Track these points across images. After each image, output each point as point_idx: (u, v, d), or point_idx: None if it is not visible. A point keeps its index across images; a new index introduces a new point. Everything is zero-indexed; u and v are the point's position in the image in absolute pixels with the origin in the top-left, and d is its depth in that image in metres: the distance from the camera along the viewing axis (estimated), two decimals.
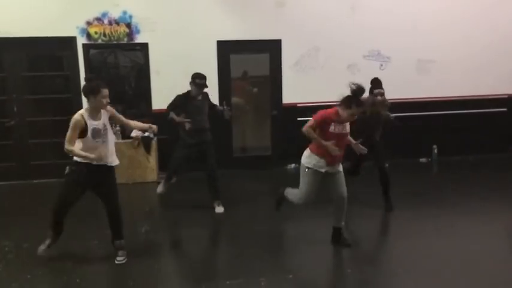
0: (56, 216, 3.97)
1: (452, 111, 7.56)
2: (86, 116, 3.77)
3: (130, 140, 6.71)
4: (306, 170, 4.04)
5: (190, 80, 5.26)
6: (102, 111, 3.90)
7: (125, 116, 4.16)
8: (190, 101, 5.24)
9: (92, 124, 3.77)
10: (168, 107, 5.29)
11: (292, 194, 4.30)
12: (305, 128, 3.98)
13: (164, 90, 6.70)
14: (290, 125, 7.17)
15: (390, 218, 5.06)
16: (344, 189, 4.11)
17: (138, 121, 6.50)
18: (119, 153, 6.52)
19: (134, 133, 6.72)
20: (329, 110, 3.98)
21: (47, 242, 4.07)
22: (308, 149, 4.11)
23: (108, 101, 3.83)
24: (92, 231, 4.59)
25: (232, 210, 5.42)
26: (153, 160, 6.77)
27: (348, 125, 4.05)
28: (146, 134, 6.73)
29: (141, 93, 7.10)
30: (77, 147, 3.77)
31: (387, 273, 3.87)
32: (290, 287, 3.59)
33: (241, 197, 6.28)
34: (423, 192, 5.95)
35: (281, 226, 4.82)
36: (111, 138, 3.99)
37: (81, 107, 6.85)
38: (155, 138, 6.75)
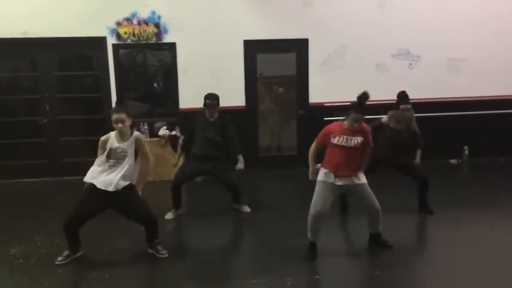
0: (65, 229, 3.96)
1: (484, 111, 7.37)
2: (112, 137, 3.91)
3: (157, 139, 6.80)
4: (316, 180, 4.06)
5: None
6: (133, 137, 3.96)
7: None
8: (201, 119, 5.12)
9: (112, 144, 3.89)
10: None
11: (308, 219, 4.07)
12: (312, 147, 4.12)
13: (191, 89, 6.77)
14: (317, 124, 7.12)
15: (419, 221, 4.96)
16: (375, 201, 4.01)
17: (165, 119, 6.71)
18: None
19: (162, 132, 6.80)
20: (335, 123, 4.06)
21: (65, 253, 4.05)
22: None
23: (120, 126, 3.84)
24: (122, 228, 4.66)
25: (258, 210, 5.42)
26: (180, 159, 6.83)
27: (356, 140, 3.91)
28: (173, 132, 6.82)
29: (169, 93, 7.18)
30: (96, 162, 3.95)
31: (416, 275, 3.80)
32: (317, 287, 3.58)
33: (268, 197, 6.29)
34: (453, 194, 5.82)
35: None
36: (130, 164, 3.92)
37: (110, 106, 7.07)
38: (182, 137, 6.81)
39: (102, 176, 3.89)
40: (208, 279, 3.84)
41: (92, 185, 3.89)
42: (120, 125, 3.85)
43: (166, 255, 4.15)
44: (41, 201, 6.10)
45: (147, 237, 4.21)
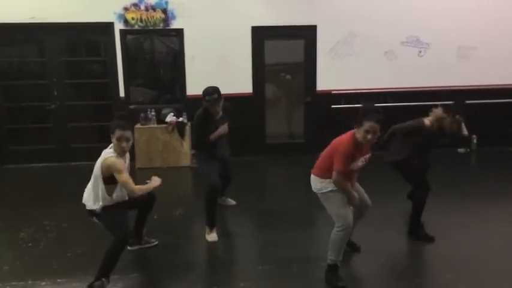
0: (122, 248, 3.53)
1: (493, 100, 7.28)
2: (117, 159, 3.43)
3: (165, 125, 6.81)
4: (329, 192, 3.40)
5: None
6: (127, 153, 3.57)
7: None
8: (211, 117, 4.32)
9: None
10: (197, 138, 4.40)
11: (335, 238, 3.44)
12: (337, 179, 3.27)
13: (199, 75, 6.75)
14: (324, 112, 7.12)
15: (425, 212, 4.94)
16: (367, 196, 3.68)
17: (172, 106, 6.66)
18: (154, 138, 6.75)
19: (169, 118, 6.81)
20: (348, 140, 3.28)
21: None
22: (315, 176, 3.49)
23: (123, 145, 3.40)
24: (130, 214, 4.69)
25: (264, 199, 5.43)
26: (186, 145, 6.85)
27: (366, 157, 3.40)
28: (180, 119, 6.83)
29: (176, 79, 7.17)
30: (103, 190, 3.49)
31: (421, 265, 3.82)
32: (322, 274, 3.58)
33: (274, 184, 6.30)
34: (461, 183, 5.79)
35: (314, 214, 4.79)
36: None
37: (118, 93, 7.06)
38: (189, 124, 6.82)
39: (113, 197, 3.54)
40: (213, 264, 3.89)
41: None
42: (124, 144, 3.42)
43: (156, 242, 4.16)
44: (48, 186, 6.15)
45: (141, 226, 4.07)
